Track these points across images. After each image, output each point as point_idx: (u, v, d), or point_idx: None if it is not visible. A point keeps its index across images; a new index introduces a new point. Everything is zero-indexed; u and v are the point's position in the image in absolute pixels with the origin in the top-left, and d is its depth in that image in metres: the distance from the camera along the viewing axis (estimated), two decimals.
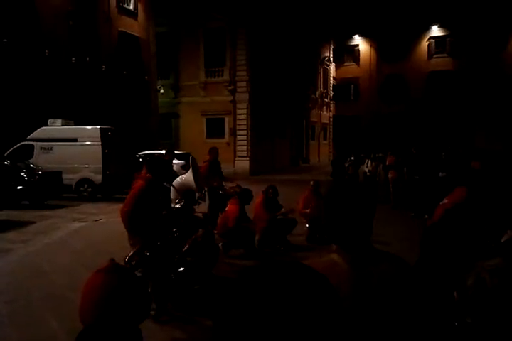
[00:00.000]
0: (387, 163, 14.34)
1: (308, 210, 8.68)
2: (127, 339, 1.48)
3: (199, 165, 8.41)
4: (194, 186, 7.37)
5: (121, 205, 5.35)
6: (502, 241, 3.78)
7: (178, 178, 7.62)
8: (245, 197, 8.01)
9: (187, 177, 7.51)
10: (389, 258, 1.60)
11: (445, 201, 4.55)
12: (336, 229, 1.59)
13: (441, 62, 39.99)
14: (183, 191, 7.32)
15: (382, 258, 1.58)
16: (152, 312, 4.84)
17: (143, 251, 4.99)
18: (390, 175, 13.47)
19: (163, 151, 11.59)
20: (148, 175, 5.38)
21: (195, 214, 7.36)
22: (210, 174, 8.73)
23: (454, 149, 18.94)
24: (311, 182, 9.15)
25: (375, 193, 11.66)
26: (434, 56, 40.73)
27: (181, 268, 5.40)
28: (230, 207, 7.93)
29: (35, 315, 5.16)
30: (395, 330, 1.48)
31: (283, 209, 8.35)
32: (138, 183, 5.33)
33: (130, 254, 4.93)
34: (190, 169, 7.61)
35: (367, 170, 15.85)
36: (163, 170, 5.65)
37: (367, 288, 1.48)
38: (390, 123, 40.38)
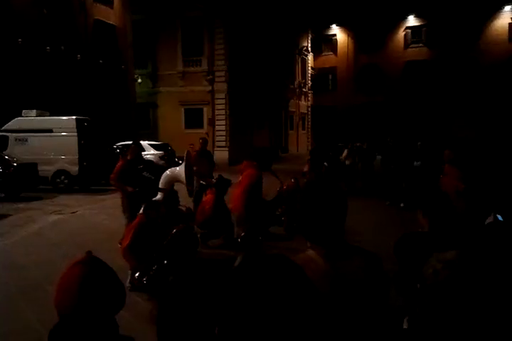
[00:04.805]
0: (304, 170, 10.73)
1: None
2: (103, 328, 1.54)
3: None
4: (183, 180, 7.36)
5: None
6: (486, 223, 3.90)
7: (168, 170, 7.56)
8: (221, 186, 8.02)
9: (179, 170, 7.47)
10: (360, 253, 1.69)
11: None
12: (311, 225, 1.68)
13: (418, 51, 40.32)
14: (171, 184, 7.33)
15: (354, 253, 1.68)
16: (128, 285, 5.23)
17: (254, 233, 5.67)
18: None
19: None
20: (255, 163, 5.87)
21: (179, 207, 7.38)
22: (196, 163, 8.81)
23: (428, 139, 19.23)
24: (292, 180, 9.26)
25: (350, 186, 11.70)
26: (411, 46, 41.02)
27: (165, 261, 5.46)
28: (206, 197, 7.96)
29: (12, 308, 5.15)
30: (368, 319, 1.57)
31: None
32: (250, 171, 5.75)
33: (244, 234, 5.77)
34: (184, 162, 7.58)
35: (346, 160, 15.97)
36: (268, 159, 6.04)
37: (341, 281, 1.56)
38: (367, 112, 40.68)
